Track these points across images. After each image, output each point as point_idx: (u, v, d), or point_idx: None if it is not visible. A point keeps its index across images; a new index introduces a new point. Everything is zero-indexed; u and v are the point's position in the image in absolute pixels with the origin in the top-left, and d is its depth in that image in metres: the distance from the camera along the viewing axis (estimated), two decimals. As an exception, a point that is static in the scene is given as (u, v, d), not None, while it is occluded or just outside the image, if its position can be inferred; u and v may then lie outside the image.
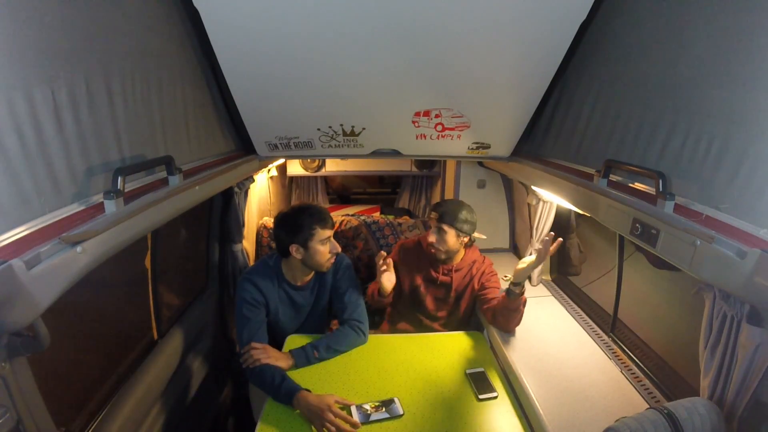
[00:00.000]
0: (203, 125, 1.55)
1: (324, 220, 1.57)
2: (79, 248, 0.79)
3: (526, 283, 2.30)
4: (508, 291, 1.68)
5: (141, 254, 1.55)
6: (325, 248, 1.58)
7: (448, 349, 1.68)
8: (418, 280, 1.92)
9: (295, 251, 1.56)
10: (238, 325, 1.59)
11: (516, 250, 2.77)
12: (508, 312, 1.71)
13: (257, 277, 1.60)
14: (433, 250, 1.83)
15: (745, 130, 0.88)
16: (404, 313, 1.94)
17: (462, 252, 1.90)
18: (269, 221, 2.67)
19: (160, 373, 1.55)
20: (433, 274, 1.90)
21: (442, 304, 1.95)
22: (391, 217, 2.75)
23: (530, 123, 1.83)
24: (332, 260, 1.64)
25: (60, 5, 0.85)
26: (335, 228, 2.64)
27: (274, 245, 1.93)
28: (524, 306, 1.71)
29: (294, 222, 1.55)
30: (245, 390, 1.76)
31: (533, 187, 1.99)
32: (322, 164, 3.82)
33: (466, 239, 1.84)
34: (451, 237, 1.79)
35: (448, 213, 1.77)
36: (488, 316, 1.83)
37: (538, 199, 2.12)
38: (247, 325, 1.55)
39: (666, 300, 1.60)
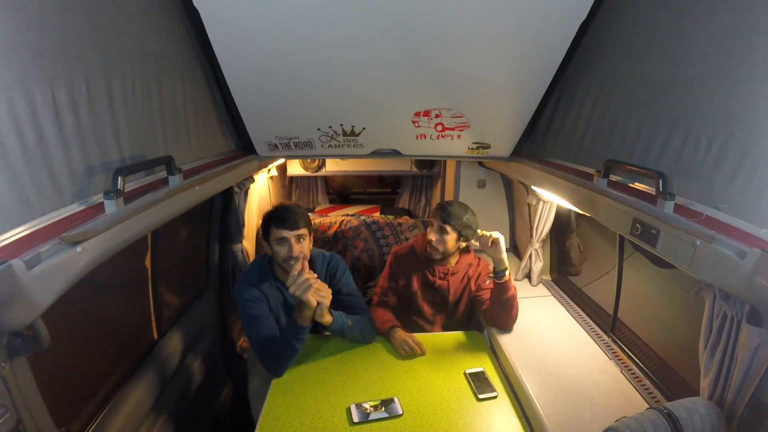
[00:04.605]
0: (203, 125, 1.55)
1: (280, 219, 1.50)
2: (79, 248, 0.79)
3: (526, 283, 2.31)
4: (496, 274, 1.71)
5: (141, 254, 1.55)
6: (281, 249, 1.51)
7: (447, 349, 1.68)
8: (415, 286, 1.91)
9: (269, 249, 1.59)
10: (246, 325, 1.57)
11: (516, 250, 2.77)
12: (501, 302, 1.72)
13: (253, 277, 1.60)
14: (429, 249, 1.83)
15: (745, 130, 0.88)
16: (402, 319, 1.89)
17: (457, 255, 1.90)
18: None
19: (160, 373, 1.55)
20: (430, 278, 1.89)
21: (439, 308, 1.94)
22: (391, 217, 2.76)
23: (530, 123, 1.83)
24: (289, 263, 1.52)
25: (60, 5, 0.85)
26: (335, 228, 2.65)
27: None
28: (516, 291, 1.73)
29: (264, 220, 1.59)
30: (245, 390, 1.76)
31: (533, 187, 1.99)
32: (322, 164, 3.82)
33: (464, 244, 1.86)
34: (452, 239, 1.79)
35: (453, 215, 1.77)
36: (486, 317, 1.83)
37: (538, 199, 2.12)
38: (256, 322, 1.53)
39: (666, 300, 1.60)
